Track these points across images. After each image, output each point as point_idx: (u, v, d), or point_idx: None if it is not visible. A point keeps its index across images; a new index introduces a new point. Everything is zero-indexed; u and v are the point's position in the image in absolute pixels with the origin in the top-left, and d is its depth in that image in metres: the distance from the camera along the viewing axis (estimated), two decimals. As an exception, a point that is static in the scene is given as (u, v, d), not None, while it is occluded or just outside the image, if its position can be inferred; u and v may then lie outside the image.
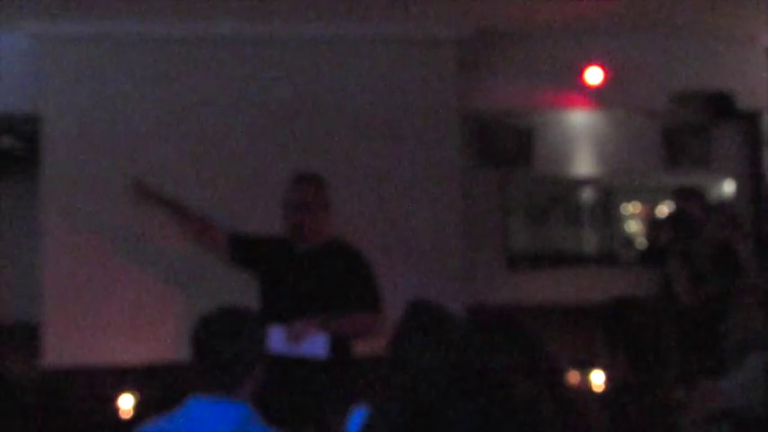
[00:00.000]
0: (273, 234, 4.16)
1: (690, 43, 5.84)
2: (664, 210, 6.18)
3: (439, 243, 5.26)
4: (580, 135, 5.98)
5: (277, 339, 3.71)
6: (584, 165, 6.01)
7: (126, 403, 4.89)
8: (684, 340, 5.00)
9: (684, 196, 5.68)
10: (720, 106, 5.99)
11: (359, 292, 3.94)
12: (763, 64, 5.90)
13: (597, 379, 4.92)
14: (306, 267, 3.96)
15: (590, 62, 5.73)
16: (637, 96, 5.85)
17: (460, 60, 5.41)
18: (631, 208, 6.30)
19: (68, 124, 5.05)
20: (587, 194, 6.16)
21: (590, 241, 6.22)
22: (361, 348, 4.00)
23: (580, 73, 5.73)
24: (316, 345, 3.77)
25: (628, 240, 6.29)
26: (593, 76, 5.73)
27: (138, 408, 4.84)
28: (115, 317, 4.97)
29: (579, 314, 5.29)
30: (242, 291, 4.31)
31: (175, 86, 5.14)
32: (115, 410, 4.87)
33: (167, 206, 4.69)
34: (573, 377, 4.97)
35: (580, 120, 5.99)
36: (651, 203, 6.28)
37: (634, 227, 6.32)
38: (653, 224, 6.18)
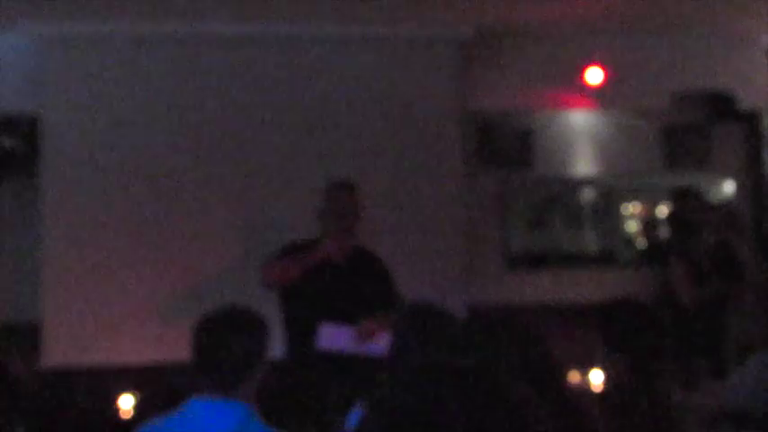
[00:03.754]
0: (303, 244, 4.10)
1: (690, 43, 5.85)
2: (664, 210, 6.17)
3: (439, 243, 5.26)
4: (580, 135, 5.97)
5: (336, 338, 3.82)
6: (584, 165, 6.00)
7: (126, 403, 4.89)
8: (684, 340, 5.00)
9: (684, 197, 5.68)
10: (720, 106, 5.98)
11: (389, 292, 4.09)
12: (763, 64, 5.89)
13: (597, 379, 4.91)
14: (349, 272, 4.03)
15: (590, 62, 5.73)
16: (637, 96, 5.84)
17: (461, 61, 5.41)
18: (631, 208, 6.29)
19: (68, 124, 5.05)
20: (587, 195, 6.15)
21: (590, 241, 6.21)
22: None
23: (580, 73, 5.73)
24: (382, 343, 3.81)
25: (628, 240, 6.28)
26: (593, 76, 5.73)
27: (138, 408, 4.84)
28: (115, 316, 4.97)
29: (579, 314, 5.28)
30: (244, 291, 4.30)
31: (175, 86, 5.14)
32: (115, 410, 4.87)
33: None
34: (573, 377, 4.97)
35: (580, 120, 5.98)
36: (651, 203, 6.26)
37: (634, 227, 6.30)
38: (653, 224, 6.17)
